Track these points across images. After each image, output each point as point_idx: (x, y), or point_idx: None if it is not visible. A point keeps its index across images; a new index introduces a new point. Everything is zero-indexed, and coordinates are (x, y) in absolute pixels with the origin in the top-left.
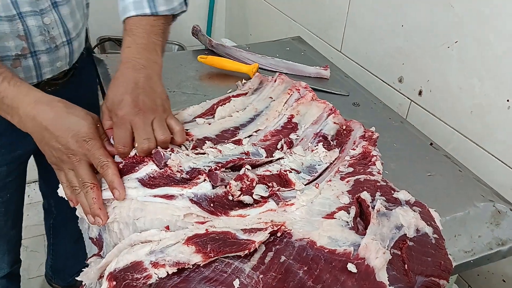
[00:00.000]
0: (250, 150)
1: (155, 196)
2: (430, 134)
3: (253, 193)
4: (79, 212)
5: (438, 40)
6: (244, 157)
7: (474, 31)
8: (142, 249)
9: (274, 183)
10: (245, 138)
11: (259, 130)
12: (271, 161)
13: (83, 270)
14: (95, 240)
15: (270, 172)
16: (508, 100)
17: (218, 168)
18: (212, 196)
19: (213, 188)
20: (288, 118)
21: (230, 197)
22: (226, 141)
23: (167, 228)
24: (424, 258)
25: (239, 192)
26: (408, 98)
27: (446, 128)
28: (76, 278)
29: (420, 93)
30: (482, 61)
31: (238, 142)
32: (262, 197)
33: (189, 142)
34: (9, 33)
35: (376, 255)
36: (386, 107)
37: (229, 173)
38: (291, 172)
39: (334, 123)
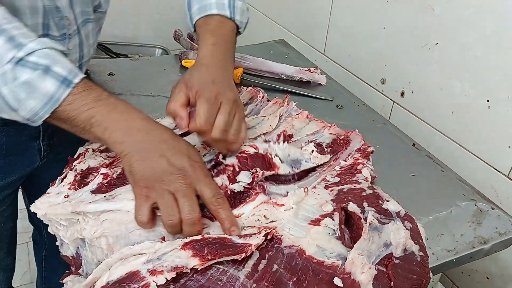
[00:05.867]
0: None
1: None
2: (413, 135)
3: (237, 180)
4: (52, 229)
5: (419, 42)
6: None
7: (454, 33)
8: (138, 259)
9: (257, 168)
10: None
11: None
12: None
13: None
14: (70, 258)
15: (255, 149)
16: (488, 100)
17: (214, 163)
18: None
19: None
20: (282, 131)
21: (229, 192)
22: None
23: (163, 239)
24: (409, 276)
25: (228, 182)
26: (390, 99)
27: (428, 128)
28: None
29: (402, 94)
30: (462, 62)
31: None
32: (248, 184)
33: None
34: None
35: (362, 270)
36: (369, 109)
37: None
38: (276, 156)
39: (330, 133)
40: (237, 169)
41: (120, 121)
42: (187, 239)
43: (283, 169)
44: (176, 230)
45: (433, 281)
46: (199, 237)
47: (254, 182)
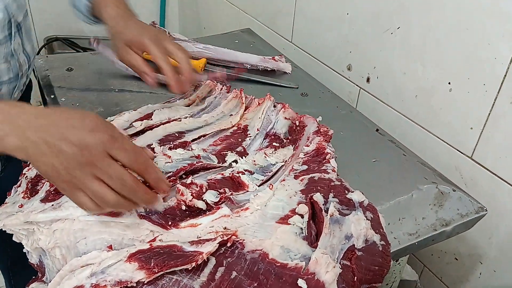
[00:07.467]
0: (201, 154)
1: (99, 214)
2: (379, 120)
3: (203, 199)
4: (16, 238)
5: (382, 27)
6: (194, 162)
7: (415, 16)
8: (83, 272)
9: (226, 189)
10: (193, 140)
11: (207, 134)
12: (223, 167)
13: None
14: (35, 265)
15: (222, 175)
16: (449, 83)
17: (171, 180)
18: (164, 209)
19: (164, 201)
20: (237, 126)
21: (183, 207)
22: (171, 142)
23: (110, 247)
24: (372, 268)
25: (191, 197)
26: (357, 85)
27: (393, 113)
28: None
29: (368, 80)
30: (424, 46)
31: (185, 144)
32: (214, 202)
33: None
34: None
35: (326, 269)
36: (334, 96)
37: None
38: (244, 173)
39: (285, 118)
40: (204, 190)
41: (5, 122)
42: (134, 250)
43: (252, 187)
44: (124, 206)
45: (399, 264)
46: (147, 246)
47: (221, 202)
